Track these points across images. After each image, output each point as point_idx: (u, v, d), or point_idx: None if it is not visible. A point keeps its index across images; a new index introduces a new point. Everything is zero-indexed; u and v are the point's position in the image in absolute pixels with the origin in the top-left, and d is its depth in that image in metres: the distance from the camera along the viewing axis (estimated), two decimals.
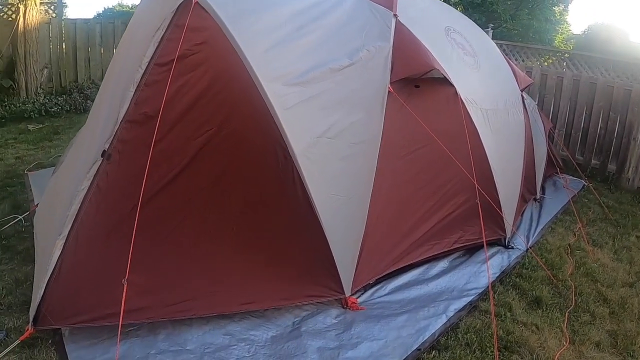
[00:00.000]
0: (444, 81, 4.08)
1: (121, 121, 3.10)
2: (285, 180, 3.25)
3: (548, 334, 3.55)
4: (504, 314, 3.68)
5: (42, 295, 3.11)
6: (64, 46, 10.04)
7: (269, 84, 3.17)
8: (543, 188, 6.26)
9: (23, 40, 9.05)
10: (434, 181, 4.01)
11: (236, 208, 3.31)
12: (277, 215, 3.35)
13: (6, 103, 8.86)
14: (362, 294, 3.79)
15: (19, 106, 8.83)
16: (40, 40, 9.33)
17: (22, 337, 3.18)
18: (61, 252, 3.11)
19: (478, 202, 3.81)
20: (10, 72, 9.29)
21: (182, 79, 3.12)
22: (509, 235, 4.58)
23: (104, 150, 3.10)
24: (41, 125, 8.41)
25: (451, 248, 4.22)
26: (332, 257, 3.39)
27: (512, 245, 4.63)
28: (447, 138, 3.88)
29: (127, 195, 3.11)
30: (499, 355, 3.23)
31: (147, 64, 3.10)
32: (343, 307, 3.61)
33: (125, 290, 2.70)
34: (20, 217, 4.85)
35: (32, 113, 8.79)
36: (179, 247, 3.24)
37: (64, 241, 3.11)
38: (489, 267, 4.02)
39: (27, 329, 3.17)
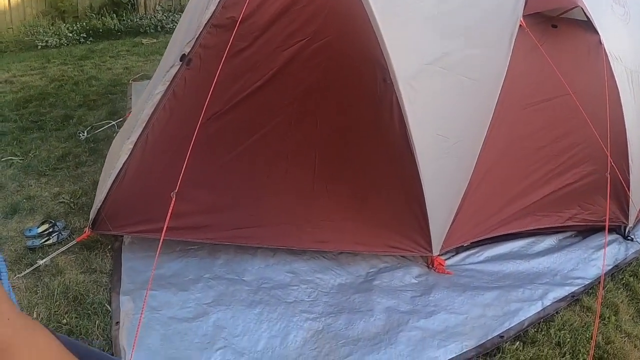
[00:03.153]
0: (588, 26, 3.33)
1: (205, 24, 2.76)
2: (381, 109, 2.75)
3: None
4: (608, 317, 3.00)
5: (104, 200, 2.97)
6: None
7: None
8: None
9: None
10: (558, 142, 3.32)
11: (321, 131, 2.89)
12: (367, 148, 2.89)
13: (124, 18, 9.06)
14: (453, 256, 3.28)
15: (136, 21, 9.05)
16: None
17: (78, 239, 3.15)
18: (128, 157, 2.91)
19: (608, 175, 3.13)
20: None
21: None
22: (631, 223, 3.81)
23: (184, 54, 2.79)
24: (155, 40, 8.55)
25: (563, 225, 3.53)
26: (425, 207, 2.88)
27: (632, 237, 3.85)
28: (583, 95, 3.19)
29: (204, 104, 2.80)
30: None
31: None
32: (428, 267, 3.15)
33: (172, 203, 2.41)
34: (114, 122, 4.93)
35: (147, 28, 9.02)
36: (252, 167, 2.92)
37: (132, 146, 2.90)
38: (605, 256, 3.32)
39: (85, 231, 3.10)
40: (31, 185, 3.97)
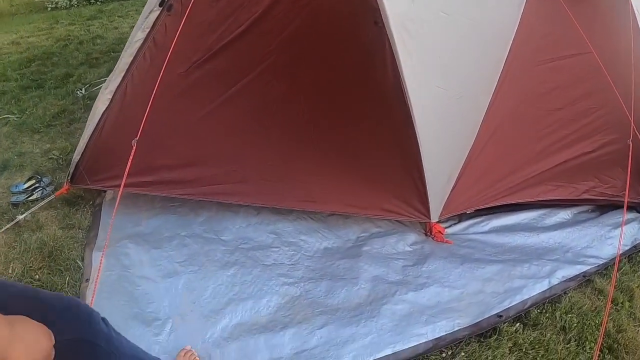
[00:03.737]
0: None
1: None
2: (373, 56, 2.46)
3: None
4: (622, 303, 2.66)
5: (82, 153, 2.83)
6: None
7: None
8: None
9: None
10: (575, 105, 2.96)
11: (308, 81, 2.64)
12: (359, 100, 2.63)
13: None
14: (456, 223, 3.00)
15: None
16: None
17: (57, 193, 3.02)
18: (106, 108, 2.75)
19: (630, 142, 2.79)
20: None
21: None
22: None
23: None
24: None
25: (578, 198, 3.17)
26: (422, 168, 2.60)
27: None
28: (605, 54, 2.84)
29: (185, 52, 2.59)
30: (599, 357, 2.35)
31: None
32: (425, 235, 2.89)
33: (132, 152, 2.21)
34: None
35: None
36: (235, 119, 2.71)
37: (110, 96, 2.73)
38: (622, 235, 2.95)
39: (64, 186, 2.98)
40: (24, 142, 3.90)
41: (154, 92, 2.27)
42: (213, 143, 2.72)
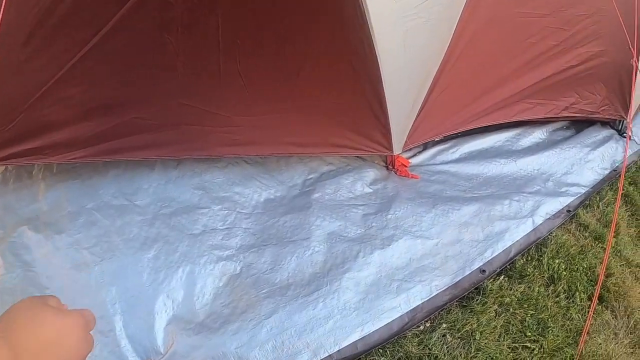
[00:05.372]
0: None
1: None
2: None
3: None
4: (607, 240, 2.36)
5: None
6: None
7: None
8: None
9: None
10: (563, 12, 2.43)
11: None
12: (295, 7, 1.93)
13: None
14: (420, 152, 2.55)
15: None
16: None
17: None
18: None
19: (634, 62, 2.37)
20: None
21: None
22: (630, 117, 3.08)
23: None
24: None
25: (557, 115, 2.79)
26: (382, 91, 2.04)
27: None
28: None
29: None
30: (588, 308, 2.03)
31: None
32: (387, 169, 2.40)
33: None
34: None
35: None
36: (129, 50, 1.96)
37: None
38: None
39: None
40: None
41: None
42: (108, 86, 2.01)
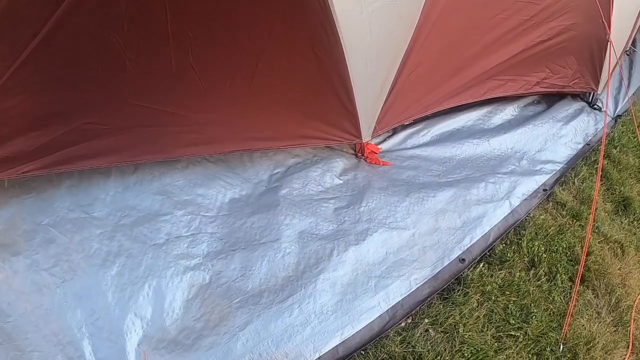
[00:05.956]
0: None
1: None
2: None
3: (633, 262, 2.28)
4: (586, 218, 2.33)
5: None
6: None
7: None
8: (635, 40, 4.38)
9: None
10: None
11: None
12: None
13: None
14: (390, 136, 2.46)
15: None
16: None
17: None
18: None
19: (609, 38, 2.33)
20: None
21: None
22: (600, 90, 3.06)
23: None
24: None
25: (529, 91, 2.75)
26: (347, 76, 1.95)
27: (599, 105, 3.12)
28: None
29: None
30: (571, 289, 2.00)
31: None
32: (356, 157, 2.30)
33: None
34: None
35: None
36: (73, 51, 1.78)
37: None
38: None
39: None
40: None
41: None
42: (45, 95, 1.82)
